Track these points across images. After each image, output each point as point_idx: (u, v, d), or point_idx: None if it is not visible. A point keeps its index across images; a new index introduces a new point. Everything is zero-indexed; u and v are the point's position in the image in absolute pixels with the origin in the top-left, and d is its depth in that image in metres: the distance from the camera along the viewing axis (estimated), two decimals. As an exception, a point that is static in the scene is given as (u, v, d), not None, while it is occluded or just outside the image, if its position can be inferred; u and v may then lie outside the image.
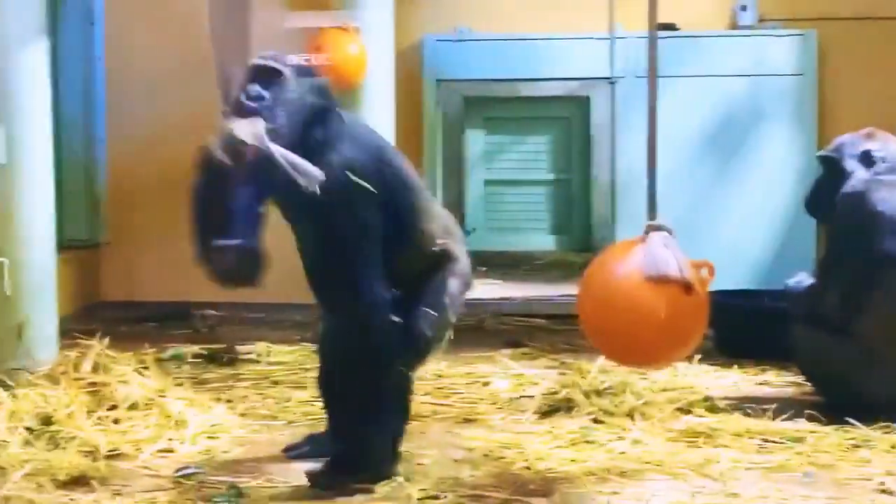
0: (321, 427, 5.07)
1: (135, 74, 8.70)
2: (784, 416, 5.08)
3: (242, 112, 3.92)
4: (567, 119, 10.58)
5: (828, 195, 5.38)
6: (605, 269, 3.22)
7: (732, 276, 7.77)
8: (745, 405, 5.29)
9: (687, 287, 3.11)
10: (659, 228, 3.19)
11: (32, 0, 5.69)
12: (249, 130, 3.71)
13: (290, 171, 3.73)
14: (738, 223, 7.99)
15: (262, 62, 4.06)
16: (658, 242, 3.14)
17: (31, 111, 5.65)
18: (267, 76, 4.03)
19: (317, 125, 4.01)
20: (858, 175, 5.31)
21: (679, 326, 3.14)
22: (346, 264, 4.05)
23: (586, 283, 3.25)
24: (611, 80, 8.19)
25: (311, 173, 3.74)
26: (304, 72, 4.16)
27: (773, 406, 5.25)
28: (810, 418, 5.04)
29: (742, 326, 6.67)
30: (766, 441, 4.77)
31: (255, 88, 3.98)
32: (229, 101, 3.80)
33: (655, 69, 3.35)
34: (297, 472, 4.35)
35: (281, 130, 3.91)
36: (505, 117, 10.32)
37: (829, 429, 4.93)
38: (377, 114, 7.01)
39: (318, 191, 3.81)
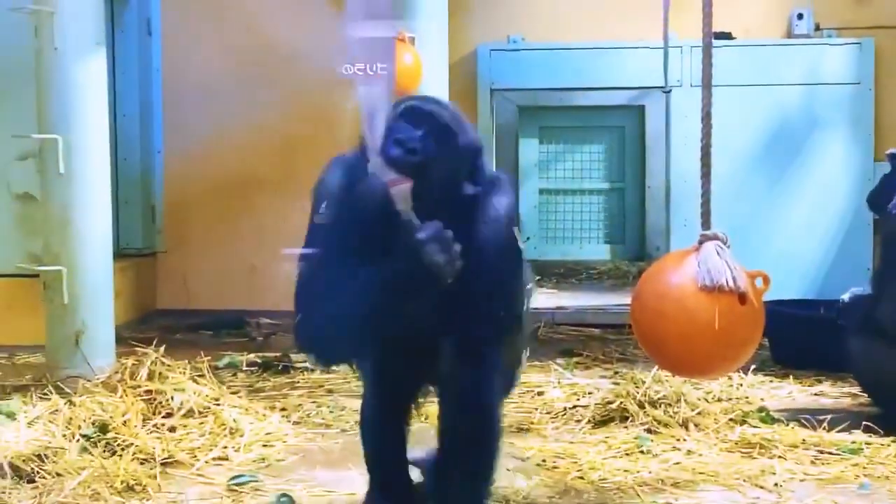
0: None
1: (191, 85, 8.78)
2: (840, 428, 5.03)
3: (392, 163, 3.36)
4: (621, 128, 10.56)
5: (893, 193, 5.34)
6: (658, 278, 3.20)
7: (788, 285, 7.71)
8: (801, 416, 5.25)
9: (741, 297, 3.09)
10: (713, 238, 3.18)
11: (91, 10, 5.75)
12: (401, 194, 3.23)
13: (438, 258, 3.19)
14: (794, 233, 7.94)
15: (415, 104, 3.62)
16: (712, 252, 3.12)
17: (89, 121, 5.71)
18: (418, 120, 3.54)
19: (473, 173, 3.53)
20: None
21: (733, 336, 3.11)
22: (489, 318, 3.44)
23: (640, 293, 3.24)
24: (665, 90, 8.16)
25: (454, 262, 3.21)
26: (453, 113, 3.66)
27: (829, 417, 5.20)
28: (867, 430, 4.99)
29: (798, 337, 6.62)
30: (822, 452, 4.73)
31: (409, 136, 3.47)
32: (374, 146, 3.36)
33: (710, 77, 3.33)
34: (350, 481, 4.36)
35: (434, 185, 3.36)
36: (559, 126, 10.31)
37: (886, 440, 4.88)
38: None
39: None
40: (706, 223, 3.22)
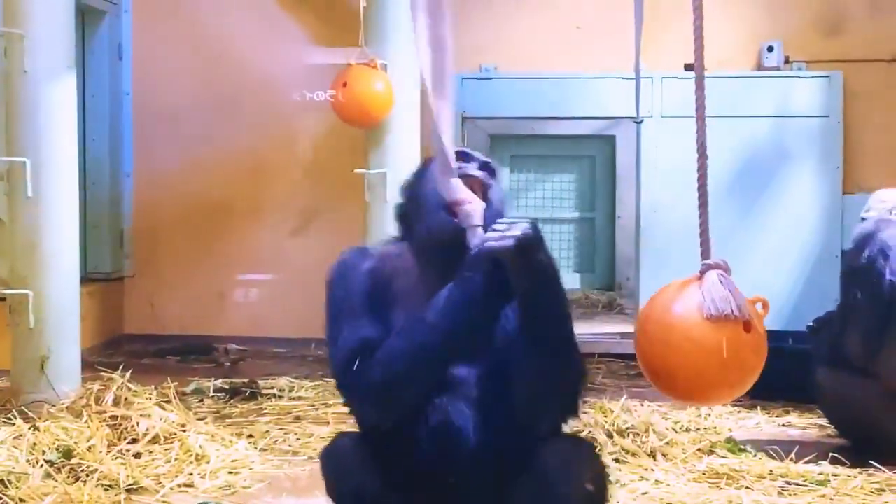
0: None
1: (162, 109, 8.75)
2: (807, 459, 5.05)
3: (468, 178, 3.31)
4: (592, 158, 10.59)
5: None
6: (662, 310, 3.20)
7: (756, 316, 7.73)
8: (769, 446, 5.26)
9: (746, 324, 3.11)
10: (715, 266, 3.19)
11: (61, 33, 5.74)
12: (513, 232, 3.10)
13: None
14: (763, 263, 7.96)
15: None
16: (715, 281, 3.14)
17: (58, 144, 5.69)
18: (464, 154, 3.45)
19: None
20: (871, 215, 5.33)
21: (740, 363, 3.13)
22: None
23: (644, 325, 3.23)
24: (637, 120, 8.19)
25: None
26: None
27: (797, 448, 5.22)
28: (834, 461, 5.01)
29: (765, 367, 6.62)
30: (789, 483, 4.74)
31: (477, 157, 3.44)
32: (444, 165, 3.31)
33: (704, 107, 3.34)
34: (317, 509, 4.34)
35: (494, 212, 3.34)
36: (530, 155, 10.34)
37: (853, 472, 4.89)
38: (403, 150, 7.02)
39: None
40: (706, 252, 3.23)
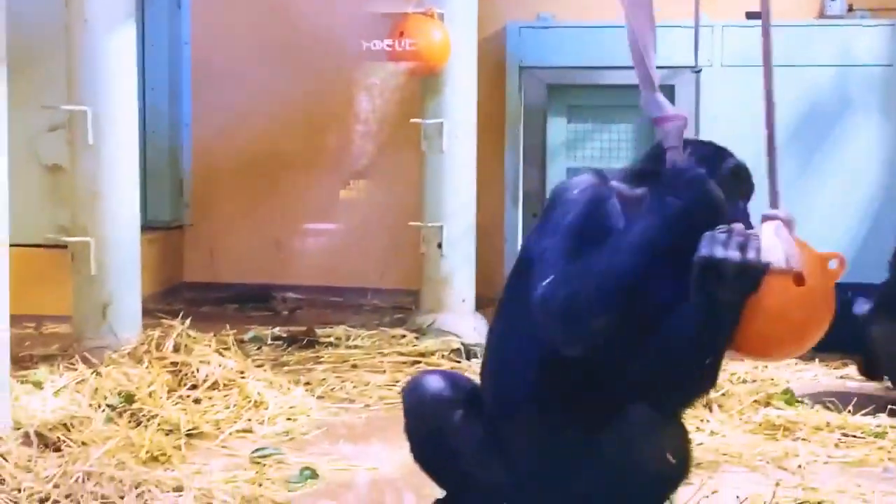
0: (398, 411, 5.11)
1: (220, 58, 8.77)
2: (865, 411, 5.02)
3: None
4: (650, 107, 10.52)
5: None
6: None
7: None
8: (826, 399, 5.23)
9: (797, 277, 3.03)
10: (773, 217, 3.12)
11: (121, -17, 5.76)
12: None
13: None
14: (823, 216, 7.88)
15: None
16: (769, 232, 3.07)
17: (118, 93, 5.72)
18: None
19: None
20: None
21: (789, 318, 3.04)
22: None
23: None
24: (695, 69, 8.11)
25: None
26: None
27: (854, 400, 5.19)
28: (892, 413, 4.97)
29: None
30: (846, 435, 4.72)
31: None
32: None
33: (770, 54, 3.27)
34: (373, 455, 4.38)
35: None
36: (588, 105, 10.27)
37: (910, 424, 4.87)
38: (459, 100, 7.01)
39: None
40: (774, 203, 3.16)
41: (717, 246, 2.98)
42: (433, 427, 3.38)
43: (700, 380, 3.21)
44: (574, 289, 3.08)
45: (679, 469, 3.25)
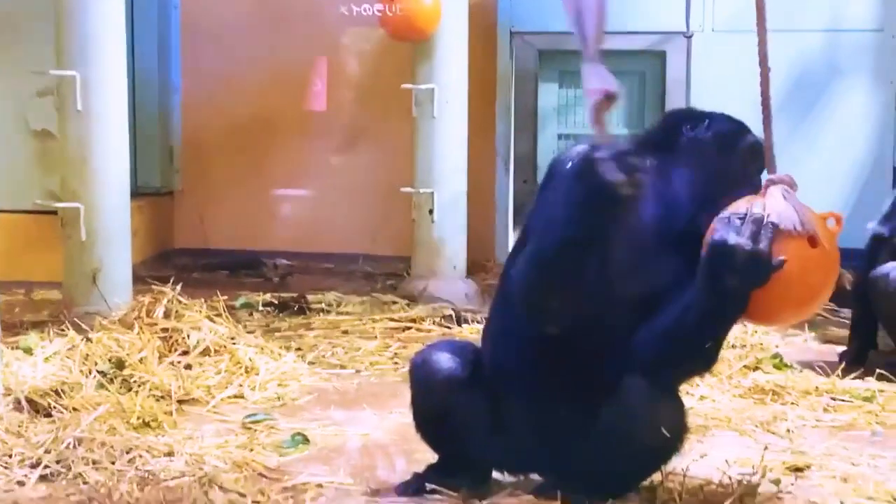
0: (389, 377, 5.13)
1: (210, 24, 8.74)
2: (853, 375, 5.04)
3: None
4: (642, 73, 10.48)
5: None
6: None
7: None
8: (815, 363, 5.25)
9: (812, 240, 3.03)
10: (779, 181, 3.11)
11: (109, -53, 5.73)
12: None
13: None
14: (813, 180, 7.84)
15: None
16: (778, 195, 3.07)
17: (107, 58, 5.70)
18: None
19: None
20: None
21: (806, 280, 3.05)
22: None
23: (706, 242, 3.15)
24: (687, 35, 8.10)
25: None
26: None
27: (843, 365, 5.21)
28: (880, 377, 4.99)
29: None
30: (835, 399, 4.73)
31: None
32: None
33: (764, 17, 3.26)
34: (364, 420, 4.39)
35: None
36: (579, 71, 10.25)
37: (900, 388, 4.89)
38: (450, 66, 6.99)
39: None
40: (771, 167, 3.16)
41: (730, 231, 2.98)
42: (441, 407, 3.42)
43: (700, 359, 3.22)
44: (525, 271, 3.17)
45: (673, 441, 3.27)
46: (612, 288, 3.17)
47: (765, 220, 2.99)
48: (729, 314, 3.10)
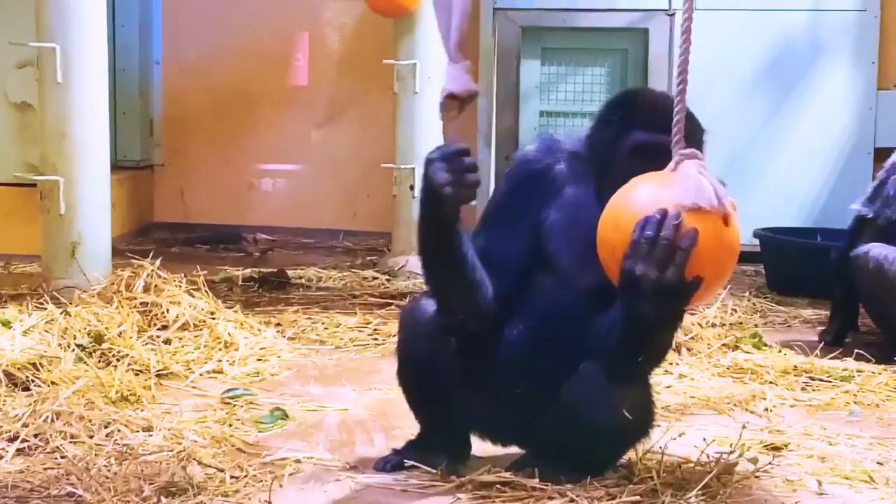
0: (369, 353, 5.13)
1: (191, -4, 8.71)
2: (832, 355, 5.06)
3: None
4: (624, 51, 10.48)
5: None
6: (638, 200, 3.00)
7: (786, 213, 7.71)
8: (793, 343, 5.27)
9: (725, 218, 2.94)
10: (692, 156, 3.02)
11: (90, -82, 5.69)
12: None
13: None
14: (793, 159, 7.89)
15: None
16: (694, 171, 2.96)
17: (88, 30, 5.66)
18: None
19: None
20: None
21: (718, 260, 2.95)
22: None
23: (614, 216, 3.04)
24: (669, 12, 8.09)
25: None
26: None
27: (821, 344, 5.24)
28: (858, 357, 5.01)
29: (794, 264, 6.64)
30: (813, 379, 4.75)
31: None
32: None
33: None
34: (344, 396, 4.39)
35: None
36: (561, 48, 10.23)
37: (877, 368, 4.90)
38: (433, 41, 6.96)
39: None
40: (679, 142, 3.05)
41: (637, 260, 2.90)
42: (425, 351, 3.40)
43: (648, 361, 3.23)
44: None
45: (640, 424, 3.30)
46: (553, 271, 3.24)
47: (674, 239, 2.87)
48: (654, 334, 3.08)
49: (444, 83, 3.30)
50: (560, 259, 3.22)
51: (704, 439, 3.64)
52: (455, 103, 3.28)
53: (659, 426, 3.54)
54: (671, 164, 3.00)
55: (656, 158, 3.06)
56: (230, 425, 3.97)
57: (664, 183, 2.97)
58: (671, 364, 4.81)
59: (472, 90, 3.29)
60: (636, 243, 2.89)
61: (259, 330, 5.22)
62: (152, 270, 5.24)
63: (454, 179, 3.01)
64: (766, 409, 4.31)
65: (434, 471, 3.40)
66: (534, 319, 3.31)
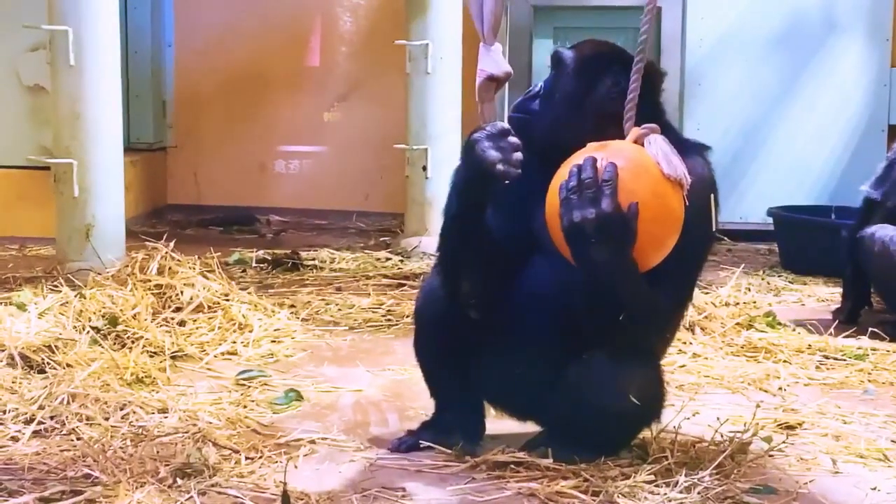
0: (382, 334, 5.13)
1: (203, -22, 8.70)
2: (846, 334, 5.05)
3: None
4: (636, 29, 10.47)
5: None
6: (568, 166, 3.05)
7: (800, 191, 7.69)
8: (808, 321, 5.27)
9: (680, 184, 3.01)
10: (655, 130, 3.09)
11: None
12: None
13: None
14: (807, 137, 7.87)
15: None
16: (664, 143, 3.04)
17: (100, 12, 5.66)
18: None
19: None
20: None
21: (677, 228, 3.03)
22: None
23: (552, 187, 3.05)
24: (682, -9, 8.06)
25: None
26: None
27: (836, 323, 5.23)
28: (873, 336, 5.01)
29: (808, 243, 6.63)
30: (827, 357, 4.74)
31: None
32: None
33: None
34: (358, 377, 4.40)
35: None
36: (574, 27, 10.21)
37: (891, 346, 4.90)
38: (444, 21, 6.96)
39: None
40: (631, 118, 3.12)
41: (571, 210, 2.95)
42: (441, 319, 3.44)
43: (633, 320, 3.13)
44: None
45: (648, 410, 3.30)
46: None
47: (596, 176, 2.94)
48: (618, 283, 3.04)
49: (480, 65, 3.34)
50: (542, 236, 3.23)
51: (718, 418, 3.64)
52: (492, 85, 3.34)
53: (673, 405, 3.54)
54: (629, 137, 3.09)
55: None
56: (245, 407, 3.99)
57: (636, 152, 3.04)
58: (685, 343, 4.81)
59: (508, 71, 3.35)
60: (566, 199, 2.96)
61: (273, 311, 5.23)
62: (166, 252, 5.25)
63: (504, 158, 3.05)
64: (780, 388, 4.31)
65: (449, 451, 3.41)
66: (526, 297, 3.33)
